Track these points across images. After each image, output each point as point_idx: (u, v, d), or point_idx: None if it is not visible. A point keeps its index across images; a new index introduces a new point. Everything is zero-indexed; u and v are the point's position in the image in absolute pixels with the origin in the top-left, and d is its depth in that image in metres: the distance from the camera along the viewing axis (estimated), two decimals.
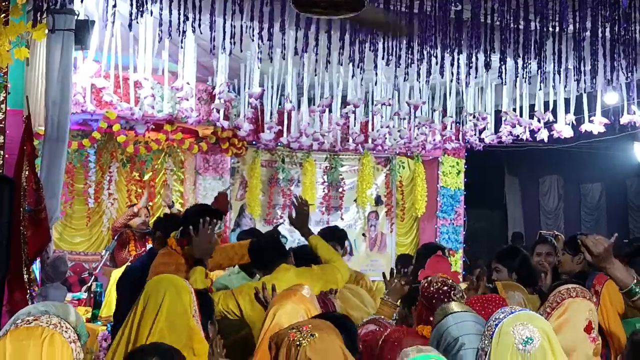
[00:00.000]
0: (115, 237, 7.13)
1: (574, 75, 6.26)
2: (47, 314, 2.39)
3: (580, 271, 4.69)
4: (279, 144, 9.18)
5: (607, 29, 5.80)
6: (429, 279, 3.42)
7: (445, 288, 3.34)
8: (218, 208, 4.88)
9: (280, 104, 7.92)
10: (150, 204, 8.89)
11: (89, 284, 6.91)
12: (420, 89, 8.09)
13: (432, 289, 3.33)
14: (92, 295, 6.66)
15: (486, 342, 2.40)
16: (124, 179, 9.24)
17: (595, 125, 8.15)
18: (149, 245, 6.95)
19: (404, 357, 2.28)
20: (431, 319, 3.34)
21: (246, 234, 5.54)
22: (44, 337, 2.27)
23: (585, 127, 8.18)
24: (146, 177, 9.32)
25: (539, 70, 6.44)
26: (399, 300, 4.16)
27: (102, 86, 7.02)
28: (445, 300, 3.30)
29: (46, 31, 4.97)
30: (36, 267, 5.47)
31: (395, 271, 4.36)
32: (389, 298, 4.21)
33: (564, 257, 5.02)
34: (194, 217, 4.50)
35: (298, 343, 2.47)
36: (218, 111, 7.65)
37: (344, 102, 8.00)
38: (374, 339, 3.44)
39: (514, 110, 8.55)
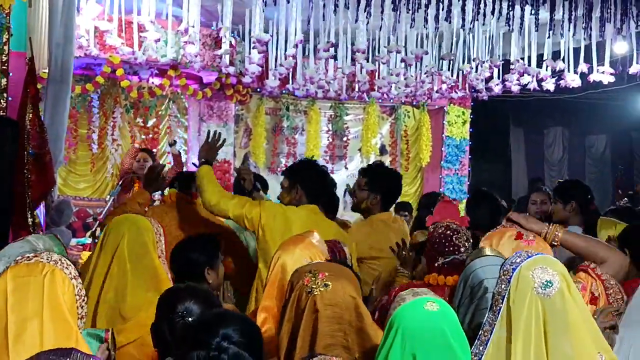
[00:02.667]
0: (120, 182, 7.11)
1: (583, 24, 6.18)
2: (47, 252, 2.38)
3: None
4: (284, 91, 9.11)
5: None
6: (436, 224, 3.43)
7: (449, 232, 3.36)
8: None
9: (285, 50, 7.81)
10: (155, 150, 8.87)
11: (93, 229, 6.91)
12: (427, 36, 7.98)
13: (436, 233, 3.37)
14: (96, 240, 6.67)
15: (503, 286, 2.37)
16: (128, 125, 9.20)
17: (604, 75, 8.04)
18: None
19: (400, 302, 2.24)
20: (438, 264, 3.36)
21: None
22: (45, 272, 2.25)
23: (593, 76, 8.06)
24: (150, 123, 9.28)
25: (549, 19, 6.35)
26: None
27: (105, 29, 6.92)
28: (447, 244, 3.34)
29: None
30: (40, 211, 5.48)
31: (402, 242, 4.34)
32: (403, 270, 4.20)
33: (555, 206, 5.03)
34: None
35: (309, 290, 2.42)
36: (221, 57, 7.55)
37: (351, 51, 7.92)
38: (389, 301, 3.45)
39: (522, 59, 8.44)
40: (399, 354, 2.14)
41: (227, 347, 1.95)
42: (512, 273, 2.36)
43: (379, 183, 4.78)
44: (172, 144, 8.10)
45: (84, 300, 2.35)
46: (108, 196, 7.69)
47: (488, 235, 3.36)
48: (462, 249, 3.34)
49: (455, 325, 2.22)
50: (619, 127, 15.42)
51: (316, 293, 2.40)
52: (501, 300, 2.36)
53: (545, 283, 2.31)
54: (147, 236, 3.31)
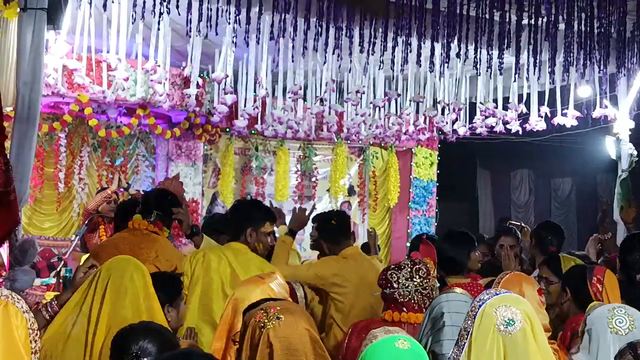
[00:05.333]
0: (86, 222, 7.04)
1: (548, 68, 6.31)
2: None
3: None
4: (253, 131, 9.13)
5: (582, 22, 5.86)
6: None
7: (391, 266, 3.50)
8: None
9: (254, 91, 7.86)
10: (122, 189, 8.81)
11: (58, 269, 6.81)
12: (393, 78, 8.09)
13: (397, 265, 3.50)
14: (60, 280, 6.57)
15: (469, 322, 2.42)
16: (95, 164, 9.14)
17: (568, 118, 8.19)
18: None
19: (372, 339, 2.26)
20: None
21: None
22: None
23: (558, 120, 8.21)
24: (117, 163, 9.23)
25: (514, 62, 6.48)
26: None
27: (74, 68, 6.91)
28: (383, 277, 3.45)
29: (18, 9, 4.88)
30: (4, 250, 5.39)
31: None
32: None
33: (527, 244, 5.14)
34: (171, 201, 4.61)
35: (262, 325, 2.42)
36: (191, 97, 7.57)
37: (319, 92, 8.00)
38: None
39: (488, 102, 8.57)
40: None
41: None
42: (478, 310, 2.39)
43: (324, 229, 4.90)
44: (126, 188, 8.03)
45: (36, 334, 2.31)
46: (73, 236, 7.61)
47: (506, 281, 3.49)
48: (395, 285, 3.40)
49: None
50: (584, 170, 15.66)
51: (269, 326, 2.41)
52: (466, 336, 2.39)
53: (508, 321, 2.34)
54: (148, 279, 3.23)
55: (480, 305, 2.41)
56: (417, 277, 3.46)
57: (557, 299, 3.95)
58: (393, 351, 2.20)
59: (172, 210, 4.61)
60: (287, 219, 5.52)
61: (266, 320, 2.42)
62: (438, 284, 3.64)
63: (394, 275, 3.48)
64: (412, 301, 3.41)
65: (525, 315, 2.37)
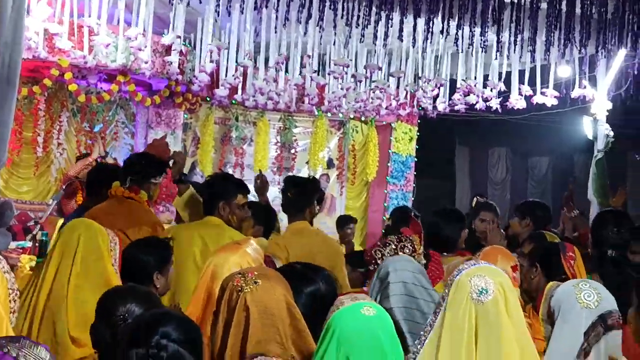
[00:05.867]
0: (64, 187, 7.03)
1: (529, 47, 6.35)
2: None
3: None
4: (233, 101, 9.11)
5: (564, 2, 5.90)
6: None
7: (377, 242, 3.54)
8: (158, 155, 4.91)
9: (236, 60, 7.84)
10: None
11: (34, 233, 6.82)
12: (375, 52, 8.10)
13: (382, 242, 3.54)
14: (36, 244, 6.57)
15: (446, 290, 2.48)
16: (74, 129, 9.09)
17: (548, 97, 8.25)
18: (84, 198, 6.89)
19: (338, 306, 2.31)
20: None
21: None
22: None
23: (537, 99, 8.25)
24: (97, 129, 9.18)
25: (495, 41, 6.52)
26: None
27: (55, 32, 6.85)
28: (368, 253, 3.50)
29: None
30: None
31: None
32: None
33: (512, 220, 5.18)
34: (145, 165, 4.61)
35: (240, 289, 2.44)
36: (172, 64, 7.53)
37: (302, 63, 7.99)
38: None
39: (469, 79, 8.61)
40: (334, 355, 2.20)
41: (166, 345, 1.97)
42: (455, 279, 2.45)
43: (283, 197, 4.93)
44: (104, 156, 8.02)
45: (16, 294, 2.34)
46: (51, 200, 7.60)
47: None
48: (380, 262, 3.47)
49: (390, 329, 2.30)
50: (561, 150, 15.80)
51: (246, 290, 2.43)
52: (443, 303, 2.45)
53: (481, 290, 2.40)
54: (102, 241, 3.27)
55: (457, 275, 2.47)
56: (402, 254, 3.52)
57: (525, 274, 4.00)
58: (359, 317, 2.25)
59: (148, 172, 4.62)
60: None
61: (244, 285, 2.44)
62: (424, 261, 3.70)
63: (379, 252, 3.52)
64: None
65: (499, 286, 2.42)
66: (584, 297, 2.70)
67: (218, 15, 6.53)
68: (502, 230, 5.95)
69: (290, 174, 10.75)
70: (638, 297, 2.15)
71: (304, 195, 4.85)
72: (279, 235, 5.39)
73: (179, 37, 7.09)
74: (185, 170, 9.77)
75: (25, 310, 3.15)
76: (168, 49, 7.82)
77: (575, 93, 8.04)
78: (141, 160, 4.81)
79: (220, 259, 3.07)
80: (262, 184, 5.62)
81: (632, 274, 4.01)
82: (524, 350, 2.42)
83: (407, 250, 3.49)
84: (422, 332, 2.49)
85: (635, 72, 7.88)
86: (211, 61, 7.38)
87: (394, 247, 3.51)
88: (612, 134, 8.70)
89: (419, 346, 2.45)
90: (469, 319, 2.37)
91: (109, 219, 4.12)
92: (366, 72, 8.06)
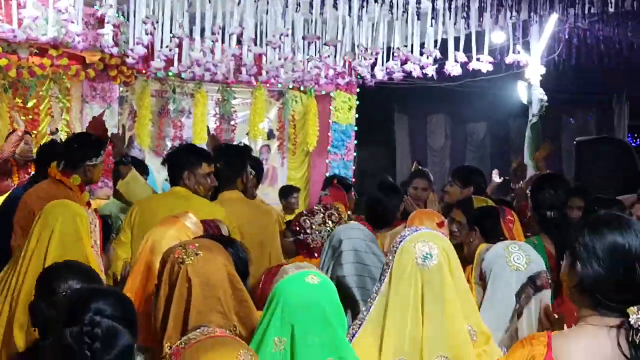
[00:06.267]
0: None
1: (462, 13, 6.42)
2: None
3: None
4: (170, 73, 8.99)
5: None
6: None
7: (304, 212, 3.60)
8: (97, 134, 4.84)
9: (171, 32, 7.72)
10: (35, 132, 8.59)
11: None
12: (312, 22, 8.07)
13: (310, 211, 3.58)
14: None
15: (390, 257, 2.51)
16: (6, 105, 8.83)
17: (483, 63, 8.34)
18: (33, 172, 6.75)
19: (283, 275, 2.33)
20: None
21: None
22: None
23: (473, 65, 8.34)
24: (30, 104, 8.96)
25: (430, 8, 6.57)
26: None
27: None
28: (297, 223, 3.54)
29: None
30: None
31: None
32: None
33: (452, 188, 5.19)
34: (79, 148, 4.54)
35: (181, 261, 2.44)
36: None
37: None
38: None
39: (405, 47, 8.65)
40: (279, 324, 2.22)
41: (100, 321, 1.95)
42: (398, 245, 2.49)
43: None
44: (54, 132, 7.87)
45: None
46: None
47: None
48: (309, 231, 3.51)
49: (333, 297, 2.33)
50: (498, 115, 16.02)
51: (188, 262, 2.43)
52: (387, 270, 2.48)
53: (425, 255, 2.44)
54: (81, 223, 3.23)
55: (400, 241, 2.50)
56: (330, 222, 3.57)
57: (465, 238, 4.07)
58: (303, 285, 2.28)
59: (82, 155, 4.55)
60: None
61: (185, 257, 2.43)
62: None
63: (307, 221, 3.57)
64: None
65: (442, 251, 2.47)
66: (514, 260, 2.78)
67: None
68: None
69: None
70: (571, 254, 2.21)
71: (232, 165, 4.83)
72: None
73: (111, 6, 6.95)
74: (123, 144, 9.68)
75: (5, 293, 3.13)
76: (101, 22, 7.66)
77: (510, 59, 8.15)
78: (74, 143, 4.73)
79: (159, 233, 3.06)
80: (212, 141, 5.55)
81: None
82: (467, 311, 2.48)
83: (334, 218, 3.55)
84: (369, 299, 2.52)
85: (567, 37, 8.04)
86: (146, 33, 7.26)
87: (321, 215, 3.55)
88: (546, 98, 8.89)
89: (365, 312, 2.49)
90: (414, 284, 2.42)
91: (39, 201, 4.08)
92: (304, 43, 8.05)
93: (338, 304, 2.33)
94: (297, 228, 3.56)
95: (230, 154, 4.94)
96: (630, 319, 2.05)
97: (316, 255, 3.51)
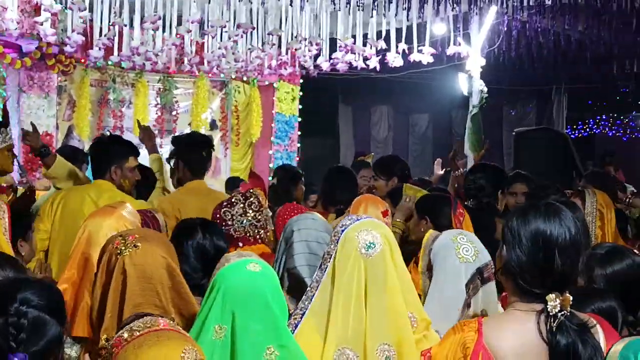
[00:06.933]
0: None
1: (404, 4, 6.46)
2: None
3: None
4: (110, 62, 8.84)
5: None
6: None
7: (224, 203, 3.63)
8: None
9: (109, 20, 7.60)
10: None
11: None
12: (253, 11, 8.03)
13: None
14: None
15: (332, 246, 2.50)
16: None
17: (424, 55, 8.41)
18: None
19: (224, 262, 2.32)
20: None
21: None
22: None
23: (414, 56, 8.40)
24: None
25: None
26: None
27: None
28: (217, 214, 3.54)
29: None
30: None
31: None
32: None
33: (377, 182, 5.14)
34: None
35: (119, 252, 2.41)
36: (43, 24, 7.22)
37: (179, 23, 7.81)
38: None
39: (348, 38, 8.66)
40: (220, 311, 2.21)
41: (27, 312, 1.91)
42: (341, 234, 2.49)
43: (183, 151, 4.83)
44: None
45: None
46: None
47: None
48: (230, 222, 3.51)
49: (275, 285, 2.32)
50: (440, 106, 16.21)
51: (125, 254, 2.40)
52: (329, 259, 2.49)
53: (369, 244, 2.45)
54: None
55: (342, 230, 2.50)
56: (251, 210, 3.56)
57: (416, 229, 4.03)
58: (245, 273, 2.27)
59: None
60: None
61: (123, 248, 2.41)
62: (270, 213, 3.76)
63: (228, 213, 3.55)
64: (248, 235, 3.53)
65: (385, 239, 2.48)
66: (463, 252, 2.81)
67: None
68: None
69: (171, 136, 10.58)
70: (501, 239, 2.26)
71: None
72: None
73: None
74: (62, 135, 9.52)
75: None
76: (37, 9, 7.49)
77: (451, 50, 8.24)
78: None
79: (96, 223, 3.01)
80: (145, 132, 5.47)
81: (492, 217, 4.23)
82: (408, 299, 2.50)
83: (255, 206, 3.54)
84: (308, 288, 2.52)
85: (506, 29, 8.16)
86: (83, 22, 7.12)
87: (241, 205, 3.54)
88: (486, 89, 9.01)
89: (307, 302, 2.48)
90: (357, 273, 2.43)
91: None
92: (242, 32, 7.98)
93: (279, 292, 2.32)
94: (218, 220, 3.53)
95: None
96: (547, 306, 2.10)
97: (241, 244, 3.49)
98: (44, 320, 1.93)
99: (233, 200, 3.58)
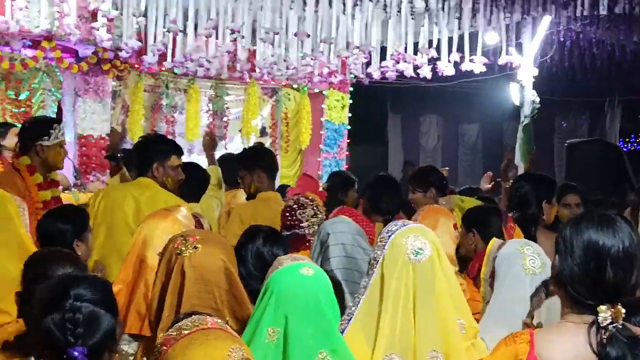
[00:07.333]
0: None
1: (456, 13, 6.44)
2: None
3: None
4: (163, 68, 8.98)
5: None
6: (289, 197, 3.63)
7: (295, 206, 3.58)
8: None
9: (165, 26, 7.72)
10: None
11: None
12: (305, 19, 8.08)
13: (285, 206, 3.57)
14: None
15: (378, 252, 2.50)
16: None
17: (476, 64, 8.37)
18: None
19: (277, 266, 2.34)
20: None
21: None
22: None
23: (466, 66, 8.37)
24: (22, 97, 8.94)
25: (424, 8, 6.58)
26: None
27: None
28: (290, 217, 3.53)
29: None
30: None
31: None
32: None
33: (415, 195, 5.04)
34: (29, 127, 4.54)
35: (179, 252, 2.44)
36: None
37: (231, 30, 7.90)
38: None
39: (399, 46, 8.67)
40: (272, 314, 2.23)
41: (81, 306, 1.96)
42: (388, 240, 2.49)
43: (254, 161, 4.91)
44: None
45: None
46: None
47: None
48: (305, 224, 3.51)
49: (328, 289, 2.33)
50: (490, 116, 16.06)
51: (185, 254, 2.43)
52: (376, 265, 2.49)
53: (417, 250, 2.45)
54: (11, 206, 3.22)
55: (389, 236, 2.50)
56: (319, 212, 3.58)
57: (464, 241, 3.97)
58: (297, 277, 2.28)
59: (31, 135, 4.43)
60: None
61: (183, 248, 2.44)
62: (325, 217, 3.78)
63: (302, 214, 3.56)
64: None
65: (432, 244, 2.48)
66: (529, 263, 2.79)
67: None
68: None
69: (223, 142, 10.69)
70: (555, 248, 2.23)
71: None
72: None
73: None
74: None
75: None
76: (94, 15, 7.65)
77: (502, 60, 8.19)
78: (26, 123, 4.70)
79: (151, 226, 3.07)
80: (210, 140, 5.53)
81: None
82: (457, 305, 2.50)
83: (320, 209, 3.57)
84: (356, 295, 2.52)
85: (560, 39, 8.07)
86: (138, 28, 7.27)
87: (311, 207, 3.56)
88: (538, 100, 8.91)
89: (353, 308, 2.49)
90: (406, 278, 2.43)
91: None
92: (296, 41, 8.05)
93: (332, 296, 2.33)
94: (294, 222, 3.55)
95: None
96: (598, 318, 2.07)
97: (307, 244, 3.51)
98: (98, 314, 1.97)
99: (301, 202, 3.59)
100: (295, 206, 3.60)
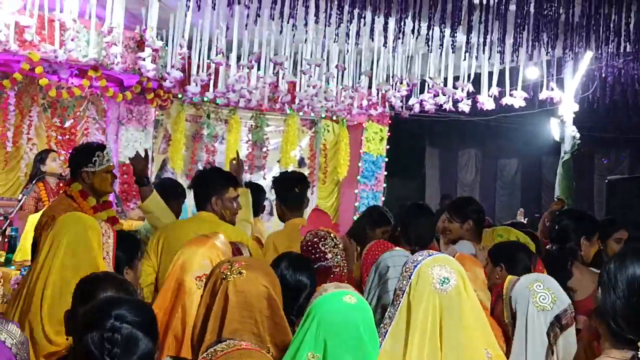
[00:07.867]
0: (34, 181, 6.99)
1: (498, 48, 6.45)
2: None
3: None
4: (205, 98, 9.12)
5: (532, 4, 6.01)
6: (307, 232, 3.64)
7: (315, 239, 3.57)
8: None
9: (208, 57, 7.85)
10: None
11: (4, 228, 6.77)
12: (347, 52, 8.16)
13: (304, 241, 3.58)
14: (6, 239, 6.53)
15: (404, 282, 2.52)
16: (44, 125, 9.01)
17: (516, 99, 8.36)
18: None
19: (322, 292, 2.37)
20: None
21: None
22: None
23: (506, 100, 8.36)
24: (67, 124, 9.13)
25: (465, 41, 6.61)
26: None
27: (26, 24, 6.81)
28: (314, 251, 3.54)
29: None
30: None
31: None
32: None
33: (452, 225, 4.99)
34: (75, 155, 4.66)
35: (224, 277, 2.48)
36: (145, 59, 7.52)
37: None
38: None
39: (438, 79, 8.69)
40: (313, 339, 2.25)
41: (121, 327, 2.00)
42: (413, 270, 2.50)
43: (278, 190, 5.01)
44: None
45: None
46: (20, 195, 7.54)
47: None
48: (329, 255, 3.52)
49: (369, 318, 2.35)
50: (530, 151, 15.98)
51: (230, 279, 2.46)
52: (402, 295, 2.50)
53: (443, 279, 2.46)
54: (92, 235, 3.27)
55: (415, 266, 2.52)
56: (338, 242, 3.61)
57: (490, 276, 3.96)
58: (339, 304, 2.30)
59: (77, 162, 4.58)
60: None
61: (228, 273, 2.47)
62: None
63: (324, 245, 3.58)
64: (343, 268, 3.56)
65: (458, 274, 2.49)
66: (540, 300, 2.80)
67: (188, 9, 6.58)
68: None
69: (261, 172, 10.79)
70: (598, 282, 2.23)
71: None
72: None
73: (152, 29, 7.09)
74: (156, 168, 9.81)
75: (17, 302, 3.19)
76: (140, 45, 7.81)
77: (543, 95, 8.16)
78: (73, 151, 4.81)
79: (190, 251, 3.13)
80: (237, 165, 5.60)
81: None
82: (484, 334, 2.50)
83: (338, 241, 3.59)
84: (381, 325, 2.53)
85: (602, 75, 8.02)
86: (182, 58, 7.39)
87: (330, 239, 3.58)
88: (578, 135, 8.85)
89: (380, 338, 2.48)
90: (432, 308, 2.44)
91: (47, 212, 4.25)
92: (337, 72, 8.12)
93: (373, 326, 2.34)
94: (318, 255, 3.55)
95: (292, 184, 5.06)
96: (638, 353, 2.06)
97: (332, 276, 3.51)
98: (137, 336, 2.01)
99: (320, 234, 3.61)
100: (315, 239, 3.60)
